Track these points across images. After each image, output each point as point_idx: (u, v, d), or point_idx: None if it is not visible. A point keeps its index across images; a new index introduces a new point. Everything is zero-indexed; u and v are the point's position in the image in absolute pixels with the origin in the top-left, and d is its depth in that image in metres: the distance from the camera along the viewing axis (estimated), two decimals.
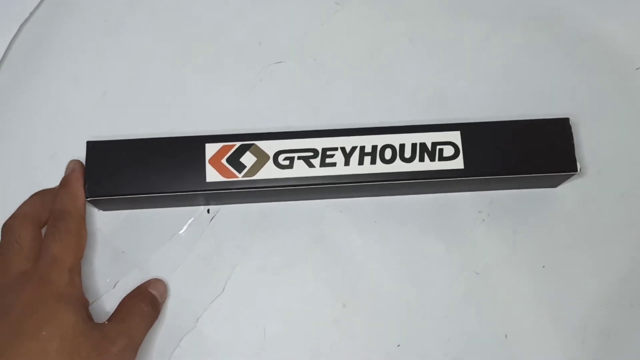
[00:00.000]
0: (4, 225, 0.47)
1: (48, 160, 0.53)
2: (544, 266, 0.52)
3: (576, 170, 0.48)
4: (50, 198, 0.49)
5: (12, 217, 0.48)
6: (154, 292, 0.49)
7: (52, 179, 0.52)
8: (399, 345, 0.50)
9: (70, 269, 0.45)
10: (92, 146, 0.49)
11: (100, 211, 0.52)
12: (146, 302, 0.48)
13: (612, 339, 0.50)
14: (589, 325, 0.50)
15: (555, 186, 0.53)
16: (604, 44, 0.57)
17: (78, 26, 0.57)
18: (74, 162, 0.50)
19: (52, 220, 0.47)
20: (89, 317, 0.47)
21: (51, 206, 0.49)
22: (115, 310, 0.48)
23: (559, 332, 0.50)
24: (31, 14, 0.56)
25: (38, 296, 0.43)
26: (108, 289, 0.51)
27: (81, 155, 0.49)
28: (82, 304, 0.46)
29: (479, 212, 0.53)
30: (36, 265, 0.45)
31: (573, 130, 0.49)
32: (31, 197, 0.50)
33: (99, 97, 0.55)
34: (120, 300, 0.49)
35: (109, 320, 0.46)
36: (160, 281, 0.50)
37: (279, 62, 0.56)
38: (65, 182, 0.49)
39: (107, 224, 0.52)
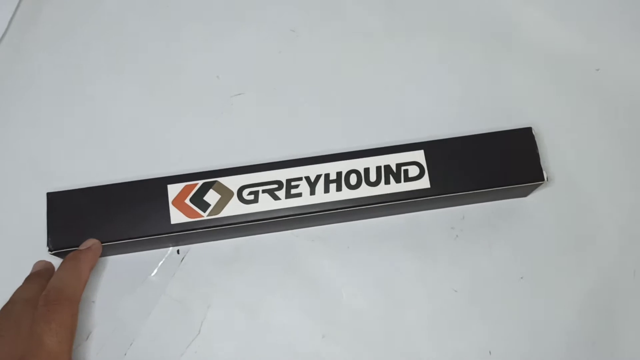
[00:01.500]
0: (3, 308, 0.45)
1: (10, 211, 0.52)
2: (522, 277, 0.51)
3: (543, 180, 0.48)
4: (47, 281, 0.46)
5: (12, 302, 0.45)
6: None
7: (14, 230, 0.52)
8: None
9: None
10: (52, 197, 0.48)
11: None
12: None
13: (596, 346, 0.49)
14: (571, 334, 0.50)
15: (525, 195, 0.53)
16: (560, 48, 0.57)
17: (35, 73, 0.56)
18: (92, 241, 0.47)
19: (46, 301, 0.43)
20: None
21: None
22: None
23: (542, 343, 0.50)
24: None
25: None
26: (81, 341, 0.49)
27: (43, 203, 0.48)
28: None
29: (452, 228, 0.52)
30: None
31: (537, 138, 0.49)
32: (28, 281, 0.47)
33: (58, 143, 0.54)
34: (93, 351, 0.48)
35: None
36: None
37: (239, 94, 0.56)
38: (73, 258, 0.46)
39: None
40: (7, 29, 0.57)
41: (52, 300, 0.44)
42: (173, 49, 0.57)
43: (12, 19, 0.57)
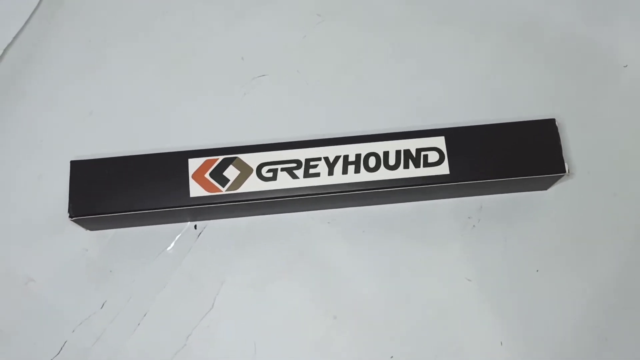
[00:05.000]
0: None
1: (35, 181, 0.53)
2: (537, 270, 0.51)
3: (564, 172, 0.48)
4: None
5: None
6: None
7: (38, 201, 0.53)
8: (392, 357, 0.49)
9: None
10: (75, 165, 0.49)
11: (87, 231, 0.52)
12: None
13: (609, 342, 0.49)
14: (585, 329, 0.49)
15: (545, 188, 0.52)
16: (589, 42, 0.56)
17: (62, 48, 0.57)
18: None
19: None
20: None
21: None
22: None
23: (555, 337, 0.49)
24: (15, 37, 0.57)
25: None
26: (96, 309, 0.50)
27: (67, 174, 0.48)
28: None
29: (469, 217, 0.52)
30: None
31: (560, 130, 0.49)
32: None
33: (85, 117, 0.55)
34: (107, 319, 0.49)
35: None
36: None
37: (262, 75, 0.56)
38: None
39: (94, 244, 0.52)
40: (37, 5, 0.58)
41: None
42: (201, 29, 0.58)
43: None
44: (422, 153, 0.48)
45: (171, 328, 0.50)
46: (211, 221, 0.52)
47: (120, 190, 0.48)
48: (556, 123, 0.49)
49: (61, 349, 0.49)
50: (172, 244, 0.52)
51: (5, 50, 0.56)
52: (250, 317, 0.50)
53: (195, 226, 0.52)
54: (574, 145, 0.53)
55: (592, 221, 0.52)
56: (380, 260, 0.51)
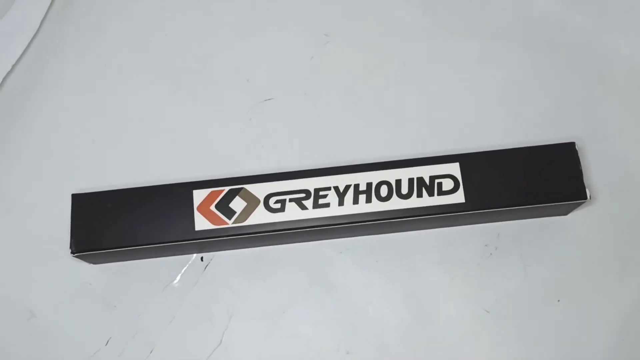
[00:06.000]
0: None
1: (36, 213, 0.52)
2: (559, 300, 0.48)
3: (586, 198, 0.45)
4: None
5: None
6: None
7: (39, 229, 0.51)
8: None
9: None
10: (77, 199, 0.47)
11: (91, 264, 0.50)
12: None
13: None
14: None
15: (566, 214, 0.50)
16: (608, 59, 0.54)
17: (63, 75, 0.56)
18: None
19: None
20: None
21: None
22: None
23: None
24: (14, 65, 0.55)
25: None
26: (100, 346, 0.49)
27: (69, 205, 0.47)
28: None
29: (486, 245, 0.50)
30: None
31: (580, 154, 0.46)
32: None
33: (87, 145, 0.54)
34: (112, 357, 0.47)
35: None
36: None
37: (269, 99, 0.54)
38: None
39: (97, 278, 0.50)
40: (39, 28, 0.56)
41: None
42: (204, 51, 0.56)
43: (44, 18, 0.57)
44: (436, 181, 0.46)
45: None
46: (218, 253, 0.51)
47: (122, 224, 0.46)
48: (576, 146, 0.47)
49: None
50: (178, 277, 0.50)
51: (6, 76, 0.55)
52: (259, 352, 0.48)
53: (201, 258, 0.51)
54: (596, 168, 0.51)
55: (616, 248, 0.49)
56: (394, 290, 0.49)
